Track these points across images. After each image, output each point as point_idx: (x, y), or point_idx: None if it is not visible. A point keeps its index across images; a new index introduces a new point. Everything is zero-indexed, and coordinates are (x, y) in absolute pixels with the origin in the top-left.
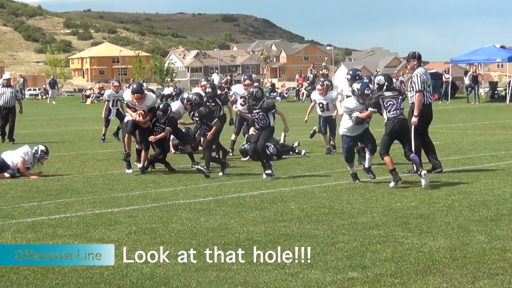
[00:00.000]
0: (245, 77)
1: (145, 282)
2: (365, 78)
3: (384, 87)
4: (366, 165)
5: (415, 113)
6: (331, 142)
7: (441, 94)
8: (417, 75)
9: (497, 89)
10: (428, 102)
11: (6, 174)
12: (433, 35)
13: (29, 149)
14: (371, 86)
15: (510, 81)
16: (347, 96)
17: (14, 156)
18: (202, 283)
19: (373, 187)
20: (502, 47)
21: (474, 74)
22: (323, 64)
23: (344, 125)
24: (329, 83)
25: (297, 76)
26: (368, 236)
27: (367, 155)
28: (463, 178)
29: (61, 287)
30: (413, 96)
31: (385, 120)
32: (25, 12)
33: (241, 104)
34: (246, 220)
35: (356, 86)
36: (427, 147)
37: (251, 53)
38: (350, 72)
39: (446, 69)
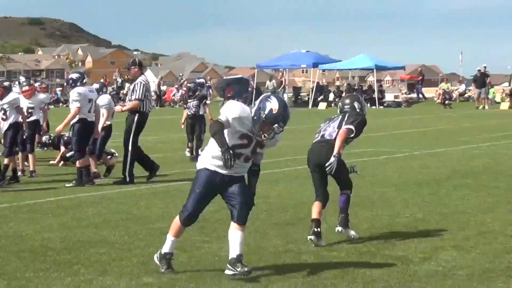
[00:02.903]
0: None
1: None
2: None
3: None
4: None
5: None
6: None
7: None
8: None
9: (300, 94)
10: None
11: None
12: (240, 41)
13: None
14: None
15: (313, 87)
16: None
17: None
18: None
19: None
20: (308, 52)
21: (280, 79)
22: None
23: None
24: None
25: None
26: None
27: None
28: None
29: None
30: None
31: None
32: None
33: None
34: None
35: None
36: None
37: (56, 57)
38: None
39: (252, 75)
